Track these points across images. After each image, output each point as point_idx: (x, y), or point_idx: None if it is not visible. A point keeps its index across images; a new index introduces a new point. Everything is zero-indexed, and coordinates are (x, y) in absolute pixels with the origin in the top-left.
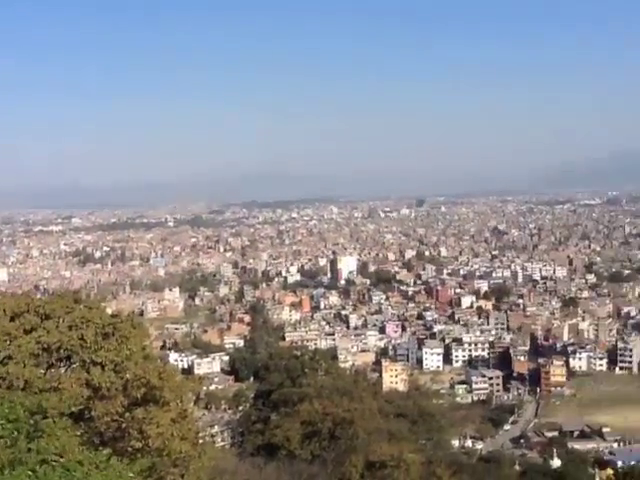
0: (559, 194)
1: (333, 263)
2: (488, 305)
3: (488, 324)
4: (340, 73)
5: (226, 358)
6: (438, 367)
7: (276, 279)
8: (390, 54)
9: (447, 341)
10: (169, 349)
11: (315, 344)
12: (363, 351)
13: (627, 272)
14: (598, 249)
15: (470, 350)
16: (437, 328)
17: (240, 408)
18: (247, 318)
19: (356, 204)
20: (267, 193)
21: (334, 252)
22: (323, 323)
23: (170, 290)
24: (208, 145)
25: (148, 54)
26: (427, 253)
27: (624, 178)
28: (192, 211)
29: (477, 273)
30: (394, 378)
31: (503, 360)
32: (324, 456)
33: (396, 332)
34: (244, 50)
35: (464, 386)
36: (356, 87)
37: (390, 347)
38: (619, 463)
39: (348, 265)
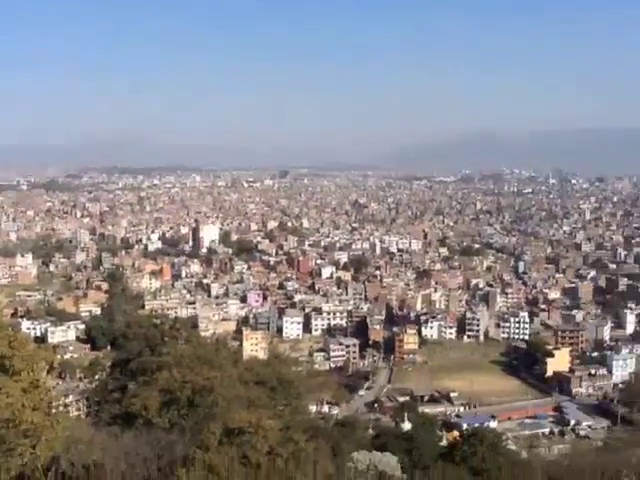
0: (416, 170)
1: (195, 231)
2: (347, 276)
3: (347, 294)
4: (202, 48)
5: (82, 326)
6: (298, 335)
7: (136, 247)
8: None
9: (307, 310)
10: (21, 317)
11: (176, 313)
12: (224, 320)
13: (477, 246)
14: (451, 224)
15: (329, 319)
16: (298, 298)
17: (96, 377)
18: (105, 286)
19: (219, 173)
20: (128, 160)
21: (196, 220)
22: (184, 292)
23: (22, 256)
24: (66, 111)
25: None
26: (289, 224)
27: (477, 157)
28: (47, 175)
29: (337, 245)
30: (255, 346)
31: (360, 329)
32: (182, 424)
33: (257, 301)
34: (101, 22)
35: (322, 354)
36: (221, 61)
37: (251, 316)
38: (464, 425)
39: (210, 234)
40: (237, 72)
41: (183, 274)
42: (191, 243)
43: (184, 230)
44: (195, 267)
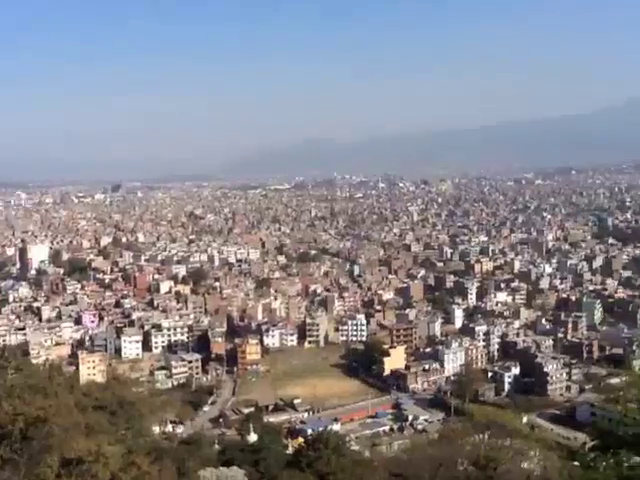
0: (251, 179)
1: (22, 252)
2: (186, 289)
3: (187, 308)
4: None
5: None
6: (137, 355)
7: None
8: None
9: (146, 328)
10: None
11: (4, 340)
12: (58, 344)
13: (314, 252)
14: (288, 231)
15: (169, 335)
16: (136, 315)
17: None
18: None
19: (47, 189)
20: None
21: (23, 240)
22: (12, 317)
23: None
24: None
25: None
26: (124, 239)
27: (309, 164)
28: None
29: (175, 258)
30: (92, 370)
31: (202, 343)
32: (16, 460)
33: (93, 322)
34: None
35: (164, 372)
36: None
37: (87, 338)
38: (309, 431)
39: (39, 254)
40: (65, 81)
41: (11, 298)
42: (18, 265)
43: (10, 251)
44: (24, 290)
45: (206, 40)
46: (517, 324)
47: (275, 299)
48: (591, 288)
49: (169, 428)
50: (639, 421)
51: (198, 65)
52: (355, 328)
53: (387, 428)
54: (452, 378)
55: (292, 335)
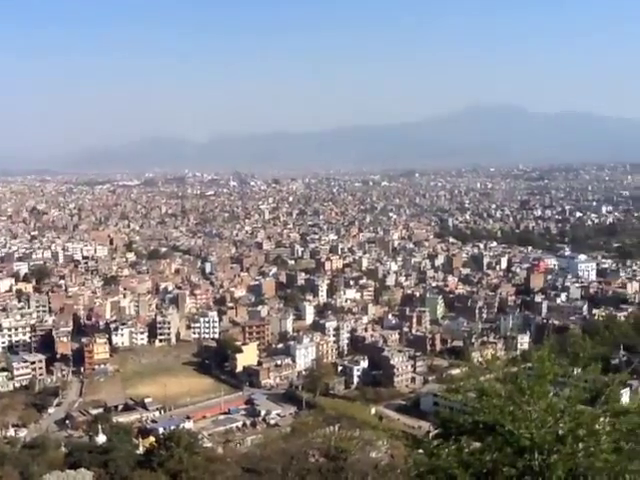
0: (99, 175)
1: None
2: (28, 288)
3: (29, 307)
4: None
5: None
6: None
7: None
8: None
9: None
10: None
11: None
12: None
13: (164, 249)
14: (137, 228)
15: (10, 335)
16: None
17: None
18: None
19: None
20: None
21: None
22: None
23: None
24: None
25: None
26: None
27: (159, 161)
28: None
29: (16, 255)
30: None
31: (46, 343)
32: None
33: None
34: None
35: (5, 373)
36: None
37: None
38: (161, 430)
39: None
40: None
41: None
42: None
43: None
44: None
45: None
46: (365, 319)
47: (124, 297)
48: (434, 284)
49: (11, 432)
50: (478, 409)
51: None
52: (207, 325)
53: (240, 424)
54: (304, 373)
55: (142, 334)
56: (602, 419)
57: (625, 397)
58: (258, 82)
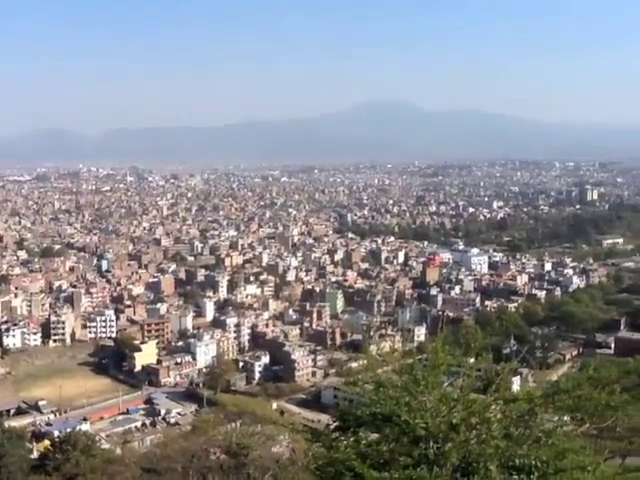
0: None
1: None
2: None
3: None
4: None
5: None
6: None
7: None
8: None
9: None
10: None
11: None
12: None
13: (58, 247)
14: (29, 225)
15: None
16: None
17: None
18: None
19: None
20: None
21: None
22: None
23: None
24: None
25: None
26: None
27: (52, 155)
28: None
29: None
30: None
31: None
32: None
33: None
34: None
35: None
36: None
37: None
38: (56, 433)
39: None
40: None
41: None
42: None
43: None
44: None
45: None
46: (266, 315)
47: (16, 296)
48: (333, 279)
49: None
50: (375, 401)
51: None
52: (104, 324)
53: (139, 424)
54: (204, 370)
55: (35, 334)
56: (493, 407)
57: (515, 385)
58: (160, 77)
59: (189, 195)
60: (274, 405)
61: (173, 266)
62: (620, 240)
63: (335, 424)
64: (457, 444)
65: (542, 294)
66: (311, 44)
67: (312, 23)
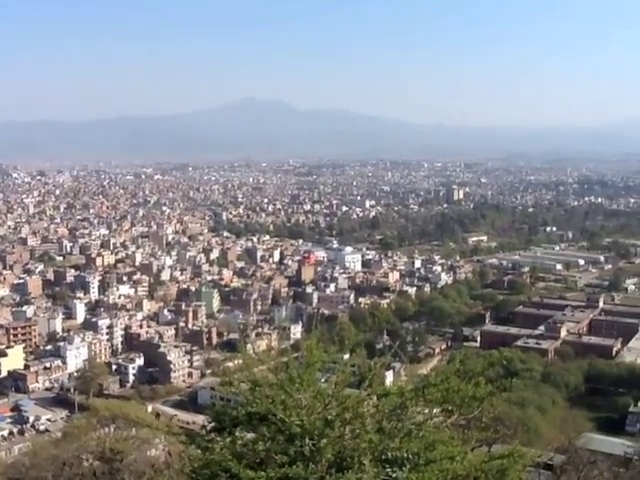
0: None
1: None
2: None
3: None
4: None
5: None
6: None
7: None
8: None
9: None
10: None
11: None
12: None
13: None
14: None
15: None
16: None
17: None
18: None
19: None
20: None
21: None
22: None
23: None
24: None
25: None
26: None
27: None
28: None
29: None
30: None
31: None
32: None
33: None
34: None
35: None
36: None
37: None
38: None
39: None
40: None
41: None
42: None
43: None
44: None
45: None
46: (140, 316)
47: None
48: (209, 278)
49: None
50: (251, 401)
51: None
52: None
53: (6, 432)
54: (75, 374)
55: None
56: (367, 402)
57: (389, 379)
58: (20, 67)
59: (57, 192)
60: (149, 408)
61: (40, 266)
62: (484, 238)
63: (211, 425)
64: (332, 440)
65: (412, 290)
66: (185, 39)
67: (184, 18)
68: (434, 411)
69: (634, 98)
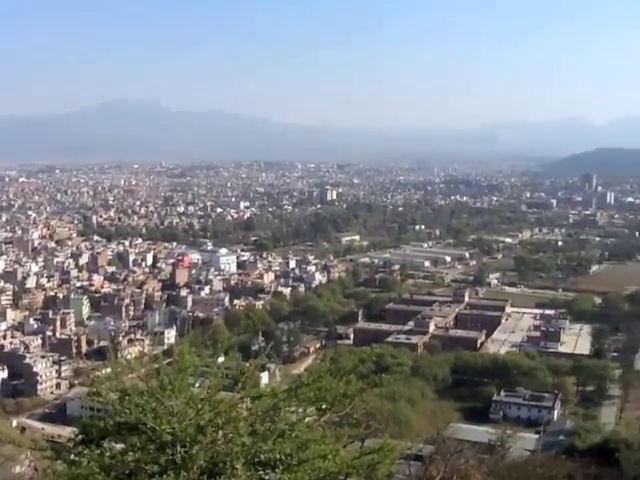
0: None
1: None
2: None
3: None
4: None
5: None
6: None
7: None
8: None
9: None
10: None
11: None
12: None
13: None
14: None
15: None
16: None
17: None
18: None
19: None
20: None
21: None
22: None
23: None
24: None
25: None
26: None
27: None
28: None
29: None
30: None
31: None
32: None
33: None
34: None
35: None
36: None
37: None
38: None
39: None
40: None
41: None
42: None
43: None
44: None
45: None
46: (4, 326)
47: None
48: (78, 284)
49: None
50: (120, 410)
51: None
52: None
53: None
54: None
55: None
56: (240, 405)
57: (264, 380)
58: None
59: None
60: (14, 423)
61: None
62: (357, 237)
63: (78, 437)
64: (204, 446)
65: (287, 291)
66: (60, 38)
67: (53, 16)
68: (307, 410)
69: (504, 102)
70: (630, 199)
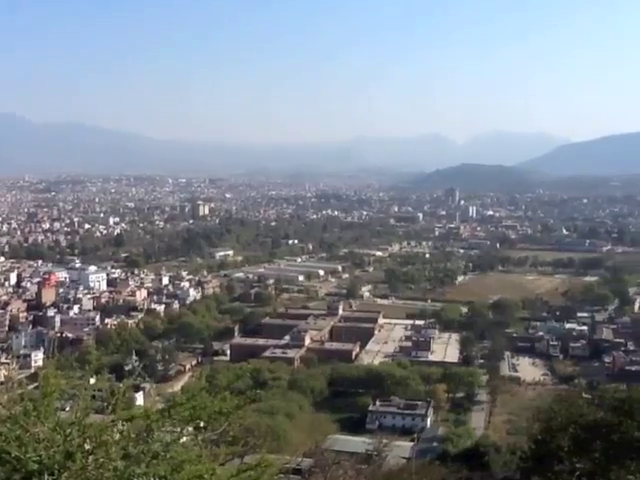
0: None
1: None
2: None
3: None
4: None
5: None
6: None
7: None
8: None
9: None
10: None
11: None
12: None
13: None
14: None
15: None
16: None
17: None
18: None
19: None
20: None
21: None
22: None
23: None
24: None
25: None
26: None
27: None
28: None
29: None
30: None
31: None
32: None
33: None
34: None
35: None
36: None
37: None
38: None
39: None
40: None
41: None
42: None
43: None
44: None
45: None
46: None
47: None
48: None
49: None
50: None
51: None
52: None
53: None
54: None
55: None
56: (112, 428)
57: (139, 400)
58: None
59: None
60: None
61: None
62: (231, 252)
63: None
64: (74, 473)
65: (161, 308)
66: None
67: None
68: (183, 430)
69: (361, 119)
70: (490, 212)
